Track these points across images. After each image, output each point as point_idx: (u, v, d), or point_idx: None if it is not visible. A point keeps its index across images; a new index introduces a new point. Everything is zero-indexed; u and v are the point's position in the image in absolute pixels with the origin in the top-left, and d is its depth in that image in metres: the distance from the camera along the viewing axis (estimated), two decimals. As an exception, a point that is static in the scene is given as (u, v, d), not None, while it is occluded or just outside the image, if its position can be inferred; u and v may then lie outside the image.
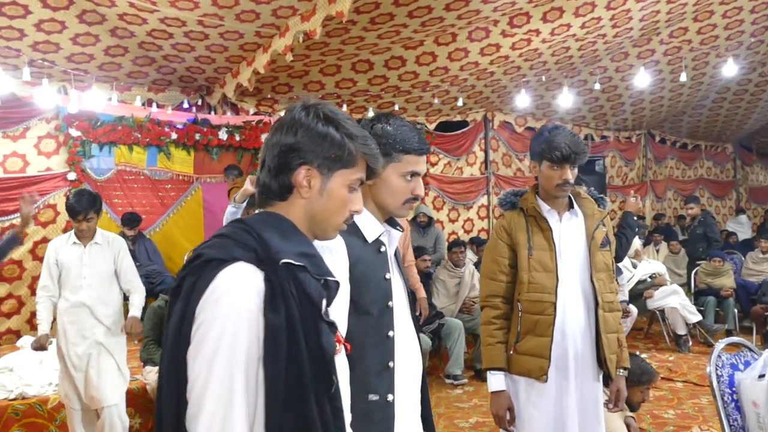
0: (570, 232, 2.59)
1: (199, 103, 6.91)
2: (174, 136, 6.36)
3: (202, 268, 1.22)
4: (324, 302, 1.28)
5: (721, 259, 7.33)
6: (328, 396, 1.25)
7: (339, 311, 1.68)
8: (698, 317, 6.75)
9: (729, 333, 6.99)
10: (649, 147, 11.49)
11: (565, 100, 7.73)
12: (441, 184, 8.46)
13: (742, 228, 11.38)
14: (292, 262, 1.22)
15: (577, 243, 2.57)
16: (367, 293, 1.79)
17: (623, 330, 2.74)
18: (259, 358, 1.17)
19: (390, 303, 1.83)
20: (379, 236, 1.86)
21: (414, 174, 1.83)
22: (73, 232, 3.81)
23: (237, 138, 6.71)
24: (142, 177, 6.35)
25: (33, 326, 5.81)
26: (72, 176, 5.92)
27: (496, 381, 2.56)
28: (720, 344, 3.04)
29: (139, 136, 6.21)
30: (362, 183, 1.44)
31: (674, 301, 6.74)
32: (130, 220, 5.81)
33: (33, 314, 5.80)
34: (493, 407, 2.59)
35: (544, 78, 7.86)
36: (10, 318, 5.78)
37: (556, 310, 2.51)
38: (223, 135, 6.62)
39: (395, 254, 1.94)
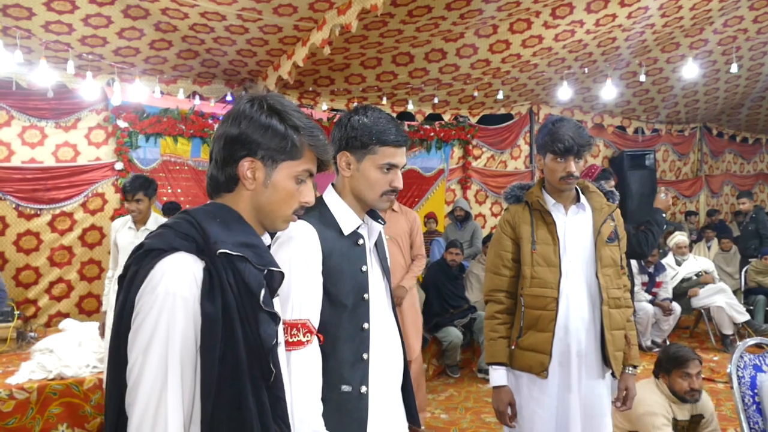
0: (576, 226, 2.55)
1: (243, 95, 7.05)
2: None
3: (143, 258, 1.24)
4: (264, 292, 1.28)
5: (769, 258, 7.05)
6: (267, 385, 1.27)
7: (311, 302, 1.71)
8: (746, 317, 6.53)
9: (780, 334, 6.74)
10: (705, 141, 11.11)
11: (610, 92, 7.53)
12: (484, 178, 8.40)
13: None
14: (230, 252, 1.23)
15: (583, 237, 2.54)
16: (341, 285, 1.80)
17: (633, 327, 2.67)
18: (197, 347, 1.20)
19: (366, 295, 1.84)
20: (357, 229, 1.87)
21: (391, 166, 1.85)
22: (131, 216, 4.02)
23: (278, 130, 6.82)
24: (186, 167, 6.54)
25: (82, 310, 6.09)
26: (119, 166, 6.15)
27: (497, 376, 2.56)
28: (743, 344, 2.97)
29: (184, 127, 6.39)
30: (312, 174, 1.43)
31: (720, 299, 6.54)
32: (170, 209, 5.99)
33: (82, 298, 6.09)
34: (494, 402, 2.59)
35: (586, 70, 7.69)
36: (60, 301, 6.06)
37: (559, 305, 2.48)
38: (264, 127, 6.73)
39: (377, 246, 1.95)
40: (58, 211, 5.90)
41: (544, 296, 2.50)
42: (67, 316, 5.89)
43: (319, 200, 1.89)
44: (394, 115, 7.74)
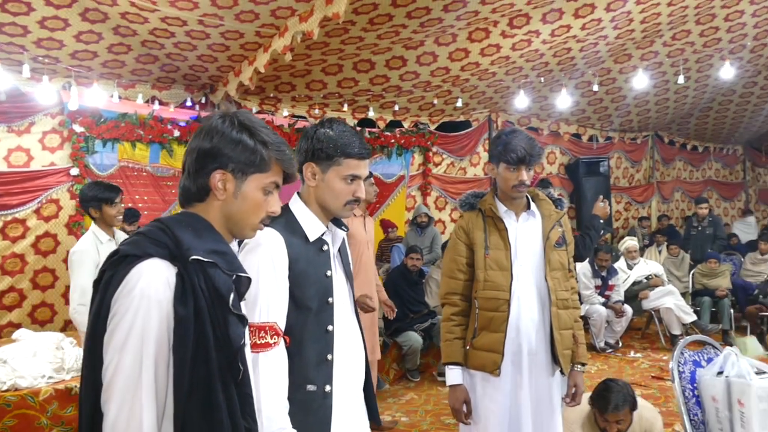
0: (526, 232, 2.69)
1: (203, 101, 7.01)
2: (176, 133, 6.47)
3: (119, 263, 1.33)
4: (232, 296, 1.36)
5: (717, 260, 7.34)
6: (236, 383, 1.35)
7: (277, 306, 1.80)
8: (693, 317, 6.79)
9: (725, 333, 7.02)
10: (657, 148, 11.48)
11: (565, 101, 7.74)
12: (443, 184, 8.53)
13: (750, 229, 11.34)
14: (201, 258, 1.32)
15: (533, 242, 2.67)
16: (306, 289, 1.89)
17: (581, 326, 2.81)
18: (170, 348, 1.27)
19: (330, 299, 1.94)
20: (322, 236, 1.97)
21: (355, 177, 1.95)
22: (98, 230, 3.94)
23: (239, 136, 6.79)
24: (144, 174, 6.47)
25: (35, 320, 5.96)
26: (75, 171, 6.04)
27: (453, 375, 2.67)
28: (683, 342, 3.12)
29: (142, 133, 6.32)
30: (278, 186, 1.52)
31: (669, 301, 6.79)
32: (129, 216, 5.92)
33: (35, 307, 5.96)
34: (450, 400, 2.69)
35: (542, 80, 7.88)
36: (11, 311, 5.91)
37: (510, 307, 2.60)
38: (224, 133, 6.70)
39: (340, 252, 2.05)
40: (9, 218, 5.76)
41: (497, 298, 2.62)
42: (18, 326, 5.74)
43: (286, 208, 1.97)
44: (355, 121, 7.81)
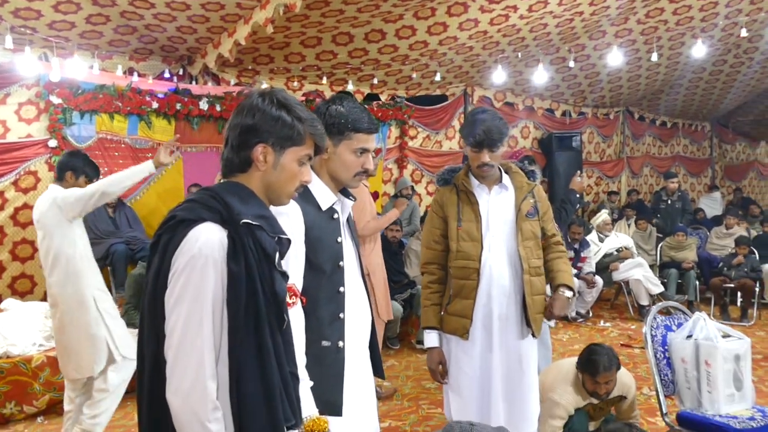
0: (498, 204, 2.84)
1: (181, 72, 6.97)
2: (155, 105, 6.43)
3: (176, 227, 1.49)
4: (277, 255, 1.54)
5: (684, 234, 7.60)
6: (281, 331, 1.53)
7: (295, 269, 1.94)
8: (660, 289, 7.04)
9: (690, 304, 7.29)
10: (627, 124, 11.70)
11: (541, 76, 7.86)
12: (419, 158, 8.62)
13: (715, 204, 11.68)
14: (251, 222, 1.49)
15: (505, 214, 2.83)
16: (320, 253, 2.05)
17: (566, 260, 2.98)
18: (224, 301, 1.44)
19: (341, 263, 2.10)
20: (333, 205, 2.12)
21: (364, 150, 2.11)
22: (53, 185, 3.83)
23: (218, 108, 6.78)
24: (123, 145, 6.43)
25: (14, 291, 5.94)
26: (53, 143, 5.98)
27: (429, 339, 2.87)
28: (656, 308, 3.30)
29: (120, 104, 6.27)
30: (310, 158, 1.67)
31: (638, 273, 7.02)
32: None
33: (14, 279, 5.95)
34: (427, 362, 2.91)
35: (519, 55, 7.99)
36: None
37: (481, 275, 2.77)
38: (203, 105, 6.69)
39: (348, 221, 2.19)
40: (-10, 189, 5.73)
41: (467, 267, 2.79)
42: (0, 297, 5.76)
43: None
44: (332, 93, 7.83)
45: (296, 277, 1.96)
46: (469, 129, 2.75)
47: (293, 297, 1.91)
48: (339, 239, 2.11)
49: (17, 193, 5.92)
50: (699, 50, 7.46)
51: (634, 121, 11.84)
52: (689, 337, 3.12)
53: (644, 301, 7.08)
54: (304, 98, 7.43)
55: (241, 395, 1.44)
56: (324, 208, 2.10)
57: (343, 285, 2.09)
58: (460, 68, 8.30)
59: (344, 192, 2.19)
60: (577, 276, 7.02)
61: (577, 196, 4.46)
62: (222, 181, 1.65)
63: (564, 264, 2.90)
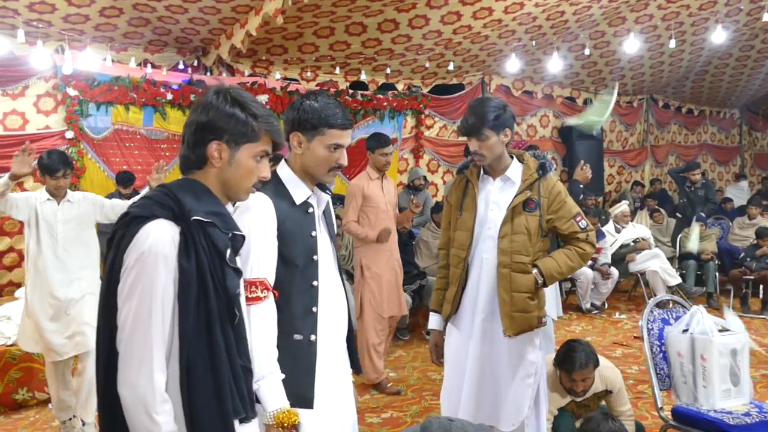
0: (500, 195, 2.80)
1: (195, 63, 7.04)
2: (169, 96, 6.51)
3: (130, 223, 1.53)
4: (229, 251, 1.57)
5: (704, 224, 7.45)
6: (233, 326, 1.57)
7: (267, 263, 1.98)
8: (678, 280, 6.93)
9: (709, 296, 7.17)
10: (652, 112, 11.46)
11: (557, 64, 7.75)
12: (436, 147, 8.58)
13: (742, 194, 11.41)
14: (202, 219, 1.53)
15: (503, 206, 2.77)
16: (293, 247, 2.06)
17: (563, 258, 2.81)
18: (175, 296, 1.47)
19: (315, 257, 2.11)
20: (307, 199, 2.13)
21: (338, 146, 2.11)
22: (44, 190, 3.95)
23: (232, 99, 6.83)
24: (138, 136, 6.53)
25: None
26: (70, 135, 6.11)
27: (432, 320, 2.97)
28: (653, 301, 3.25)
29: (135, 96, 6.37)
30: (268, 154, 1.69)
31: (655, 264, 6.92)
32: (124, 179, 6.01)
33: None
34: (429, 343, 3.03)
35: (535, 43, 7.88)
36: (11, 271, 6.06)
37: (467, 265, 2.80)
38: (217, 96, 6.74)
39: (325, 215, 2.20)
40: (7, 180, 5.86)
41: (458, 256, 2.84)
42: (19, 285, 5.89)
43: (274, 174, 2.15)
44: (348, 84, 7.83)
45: (268, 271, 1.99)
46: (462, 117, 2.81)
47: (264, 291, 1.95)
48: (313, 233, 2.12)
49: (35, 184, 6.03)
50: (719, 36, 7.27)
51: (658, 109, 11.59)
52: (685, 330, 3.07)
53: (661, 293, 6.97)
54: (318, 88, 7.43)
55: (191, 389, 1.48)
56: (298, 202, 2.11)
57: (317, 279, 2.10)
58: (477, 57, 8.23)
59: (321, 186, 2.19)
60: (592, 267, 6.94)
61: (581, 187, 4.34)
62: (179, 178, 1.68)
63: (560, 254, 2.77)
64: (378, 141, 4.70)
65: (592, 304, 7.09)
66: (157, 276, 1.45)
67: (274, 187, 2.11)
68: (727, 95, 12.14)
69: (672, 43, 7.72)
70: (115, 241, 1.54)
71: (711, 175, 12.42)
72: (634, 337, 5.94)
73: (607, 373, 3.22)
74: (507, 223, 2.74)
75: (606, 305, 7.22)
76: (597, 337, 6.12)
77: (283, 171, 2.16)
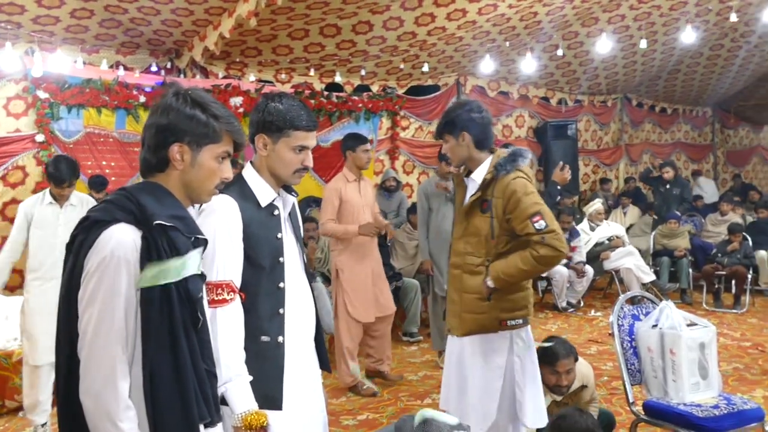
0: (463, 197, 2.87)
1: (168, 66, 6.98)
2: (142, 99, 6.44)
3: (90, 227, 1.51)
4: None
5: (677, 221, 7.56)
6: (196, 330, 1.55)
7: (232, 265, 1.99)
8: (651, 277, 7.02)
9: (683, 292, 7.27)
10: (626, 111, 11.60)
11: (530, 65, 7.81)
12: (411, 148, 8.59)
13: (710, 189, 11.62)
14: (164, 223, 1.51)
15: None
16: (259, 250, 2.06)
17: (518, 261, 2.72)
18: (137, 302, 1.45)
19: (281, 259, 2.10)
20: (273, 201, 2.13)
21: (303, 147, 2.11)
22: (47, 192, 4.09)
23: (206, 101, 6.79)
24: (111, 140, 6.45)
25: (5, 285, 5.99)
26: (41, 138, 6.02)
27: None
28: (623, 298, 3.29)
29: (107, 98, 6.29)
30: (230, 155, 1.68)
31: (629, 261, 7.00)
32: (97, 183, 5.94)
33: (5, 273, 5.98)
34: None
35: (508, 44, 7.94)
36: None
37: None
38: (191, 98, 6.70)
39: (291, 217, 2.21)
40: (-23, 183, 5.77)
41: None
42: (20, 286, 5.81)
43: (239, 176, 2.15)
44: (323, 86, 7.82)
45: (234, 274, 1.99)
46: None
47: (231, 293, 1.96)
48: (279, 235, 2.11)
49: (5, 188, 5.96)
50: (689, 36, 7.38)
51: (632, 108, 11.73)
52: (655, 326, 3.11)
53: (636, 290, 7.05)
54: (293, 90, 7.42)
55: (155, 395, 1.46)
56: (263, 204, 2.11)
57: (284, 281, 2.10)
58: (451, 58, 8.26)
59: (287, 188, 2.20)
60: (567, 266, 7.00)
61: (558, 188, 4.30)
62: (140, 181, 1.67)
63: (514, 257, 2.66)
64: (358, 139, 4.73)
65: (568, 303, 7.15)
66: (119, 281, 1.44)
67: (240, 189, 2.10)
68: (699, 94, 12.33)
69: (644, 43, 7.81)
70: (75, 245, 1.51)
71: (685, 173, 12.60)
72: (609, 334, 5.98)
73: (582, 368, 3.26)
74: (461, 224, 2.79)
75: (581, 303, 7.29)
76: (573, 335, 6.17)
77: (249, 173, 2.15)
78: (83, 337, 1.44)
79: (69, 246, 1.54)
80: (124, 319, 1.44)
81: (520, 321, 2.75)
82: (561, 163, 4.57)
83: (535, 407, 2.79)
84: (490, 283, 2.67)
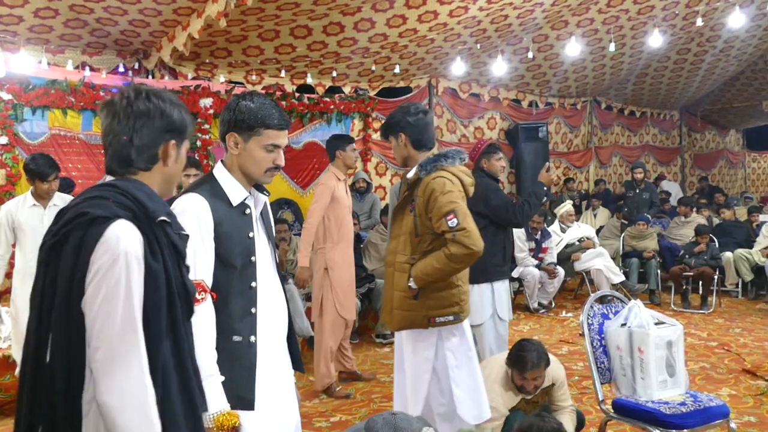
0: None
1: (136, 66, 6.88)
2: (109, 100, 6.34)
3: (89, 224, 1.44)
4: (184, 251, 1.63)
5: (646, 223, 7.66)
6: (191, 323, 1.64)
7: (204, 265, 1.98)
8: (621, 278, 7.10)
9: (651, 292, 7.36)
10: (595, 114, 11.74)
11: (501, 67, 7.86)
12: (384, 150, 8.57)
13: (675, 190, 11.85)
14: (166, 219, 1.53)
15: None
16: (231, 249, 2.05)
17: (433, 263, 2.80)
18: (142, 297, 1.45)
19: (253, 258, 2.09)
20: (244, 200, 2.11)
21: (275, 146, 2.10)
22: (29, 194, 4.01)
23: (175, 103, 6.70)
24: (77, 141, 6.32)
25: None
26: (4, 140, 5.86)
27: None
28: (592, 297, 3.30)
29: (73, 100, 6.16)
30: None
31: (599, 263, 7.07)
32: (63, 186, 5.76)
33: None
34: None
35: (479, 46, 7.98)
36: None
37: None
38: (159, 99, 6.60)
39: (262, 216, 2.20)
40: (-62, 188, 5.62)
41: None
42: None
43: (210, 175, 2.14)
44: (294, 87, 7.78)
45: (205, 273, 1.99)
46: None
47: (202, 293, 1.95)
48: (251, 234, 2.10)
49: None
50: (657, 40, 7.49)
51: (601, 111, 11.89)
52: (624, 324, 3.13)
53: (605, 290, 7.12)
54: (264, 91, 7.36)
55: (164, 387, 1.47)
56: (235, 203, 2.09)
57: (255, 280, 2.09)
58: (423, 60, 8.28)
59: (258, 187, 2.18)
60: (538, 267, 7.05)
61: (545, 189, 4.20)
62: (119, 177, 1.61)
63: (432, 256, 2.76)
64: (344, 139, 4.88)
65: (540, 304, 7.20)
66: (134, 278, 1.43)
67: (210, 188, 2.08)
68: (667, 97, 12.54)
69: (611, 47, 7.92)
70: (73, 242, 1.44)
71: (654, 176, 12.79)
72: (580, 335, 6.03)
73: (553, 366, 3.26)
74: (396, 223, 2.89)
75: (553, 304, 7.34)
76: (544, 336, 6.21)
77: (219, 172, 2.13)
78: (100, 338, 1.40)
79: (57, 244, 1.47)
80: (140, 314, 1.43)
81: (450, 318, 2.80)
82: (547, 163, 4.56)
83: (474, 402, 2.86)
84: (411, 283, 2.76)
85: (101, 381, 1.39)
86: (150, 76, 6.88)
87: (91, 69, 6.50)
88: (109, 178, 1.60)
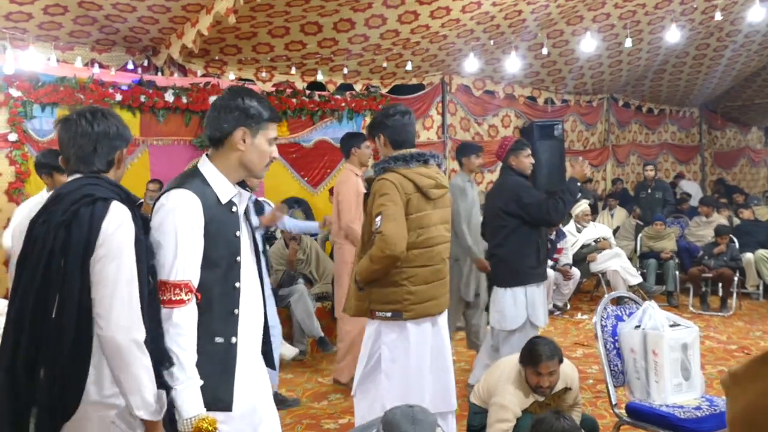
0: None
1: (145, 63, 6.85)
2: (118, 97, 6.32)
3: (95, 203, 1.82)
4: None
5: (663, 223, 7.49)
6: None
7: (192, 264, 1.94)
8: (638, 279, 6.94)
9: (669, 294, 7.19)
10: (612, 111, 11.54)
11: (515, 63, 7.73)
12: (396, 148, 8.49)
13: (694, 190, 11.62)
14: (142, 201, 1.96)
15: None
16: (218, 249, 2.00)
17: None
18: None
19: (238, 258, 2.05)
20: (232, 197, 2.06)
21: (275, 139, 2.13)
22: (45, 192, 3.95)
23: (184, 100, 6.67)
24: (86, 139, 6.32)
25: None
26: (13, 137, 5.88)
27: None
28: (606, 298, 3.19)
29: (82, 97, 6.15)
30: None
31: (615, 264, 6.92)
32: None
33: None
34: None
35: (492, 42, 7.86)
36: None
37: None
38: (169, 97, 6.57)
39: (246, 214, 2.16)
40: (-53, 185, 5.63)
41: None
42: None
43: (196, 170, 2.06)
44: (305, 85, 7.71)
45: (193, 274, 1.92)
46: None
47: (188, 293, 1.91)
48: (237, 233, 2.05)
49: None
50: (674, 35, 7.32)
51: (618, 108, 11.68)
52: (638, 326, 3.02)
53: (620, 291, 6.98)
54: (274, 89, 7.30)
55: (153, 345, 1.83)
56: (224, 201, 2.04)
57: (239, 281, 2.03)
58: (435, 57, 8.17)
59: (241, 184, 2.13)
60: (553, 268, 6.91)
61: (578, 185, 3.99)
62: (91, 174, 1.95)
63: (366, 256, 2.93)
64: (358, 136, 4.91)
65: (555, 305, 7.06)
66: (131, 243, 1.82)
67: (200, 185, 2.01)
68: (686, 94, 12.29)
69: (629, 42, 7.75)
70: (84, 215, 1.79)
71: (672, 175, 12.56)
72: (595, 337, 5.90)
73: (567, 370, 3.16)
74: (366, 219, 3.03)
75: (568, 306, 7.20)
76: (559, 338, 6.07)
77: (207, 168, 2.06)
78: (105, 285, 1.77)
79: (67, 219, 1.80)
80: (135, 269, 1.83)
81: (388, 314, 2.92)
82: (580, 158, 4.39)
83: (402, 400, 2.83)
84: (357, 278, 2.97)
85: (108, 318, 1.75)
86: (159, 73, 6.85)
87: (101, 66, 6.47)
88: (76, 176, 1.93)
